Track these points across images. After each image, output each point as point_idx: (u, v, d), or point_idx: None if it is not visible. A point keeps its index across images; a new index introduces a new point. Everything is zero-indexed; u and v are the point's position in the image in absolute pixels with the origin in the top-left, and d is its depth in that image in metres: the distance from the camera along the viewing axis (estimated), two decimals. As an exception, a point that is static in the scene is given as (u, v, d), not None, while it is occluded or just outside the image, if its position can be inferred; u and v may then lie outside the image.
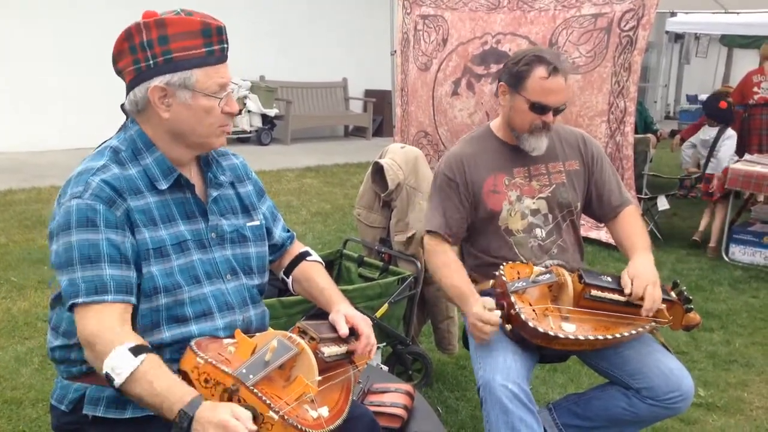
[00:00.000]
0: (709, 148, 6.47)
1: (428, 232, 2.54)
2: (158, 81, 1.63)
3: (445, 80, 6.67)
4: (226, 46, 1.69)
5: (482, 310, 2.21)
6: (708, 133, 6.57)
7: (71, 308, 1.57)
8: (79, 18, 9.27)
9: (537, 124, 2.42)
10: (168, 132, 1.70)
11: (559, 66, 2.35)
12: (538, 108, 2.38)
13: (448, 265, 2.45)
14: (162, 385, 1.46)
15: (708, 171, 6.39)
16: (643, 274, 2.25)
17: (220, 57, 1.68)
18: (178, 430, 1.41)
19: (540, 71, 2.34)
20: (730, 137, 6.47)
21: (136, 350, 1.50)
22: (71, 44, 9.21)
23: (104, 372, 1.49)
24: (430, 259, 2.53)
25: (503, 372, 2.16)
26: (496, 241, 2.50)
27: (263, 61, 11.20)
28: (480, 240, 2.55)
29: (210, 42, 1.65)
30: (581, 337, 2.14)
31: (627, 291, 2.22)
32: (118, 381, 1.47)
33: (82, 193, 1.60)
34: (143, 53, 1.63)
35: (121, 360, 1.48)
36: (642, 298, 2.20)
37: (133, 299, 1.60)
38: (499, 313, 2.19)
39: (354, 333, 1.83)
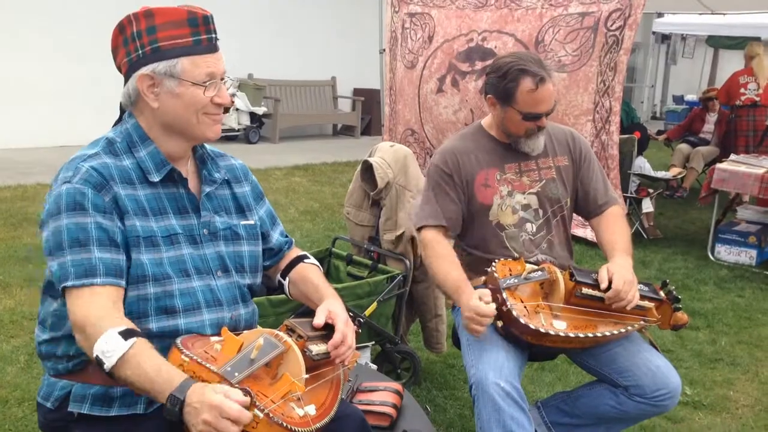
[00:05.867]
0: None
1: (424, 227, 2.51)
2: (145, 69, 1.64)
3: (431, 77, 6.67)
4: (214, 35, 1.70)
5: (479, 302, 2.17)
6: None
7: (63, 292, 1.57)
8: (67, 14, 9.19)
9: (532, 129, 2.46)
10: (160, 123, 1.70)
11: (545, 75, 2.37)
12: (531, 117, 2.41)
13: (444, 258, 2.43)
14: (151, 369, 1.46)
15: None
16: (620, 274, 2.24)
17: (208, 46, 1.68)
18: (170, 414, 1.40)
19: (527, 84, 2.36)
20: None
21: (126, 334, 1.49)
22: (58, 40, 9.13)
23: (95, 355, 1.49)
24: (426, 251, 2.49)
25: (496, 370, 2.16)
26: (488, 235, 2.51)
27: (252, 58, 11.16)
28: (472, 235, 2.56)
29: (197, 31, 1.66)
30: (572, 335, 2.14)
31: (603, 286, 2.21)
32: (108, 364, 1.47)
33: (71, 177, 1.61)
34: (134, 44, 1.66)
35: (111, 343, 1.47)
36: (619, 297, 2.19)
37: (123, 282, 1.60)
38: (494, 306, 2.17)
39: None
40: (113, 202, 1.62)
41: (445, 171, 2.52)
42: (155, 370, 1.46)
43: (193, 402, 1.39)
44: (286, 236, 2.09)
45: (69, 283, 1.55)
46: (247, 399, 1.41)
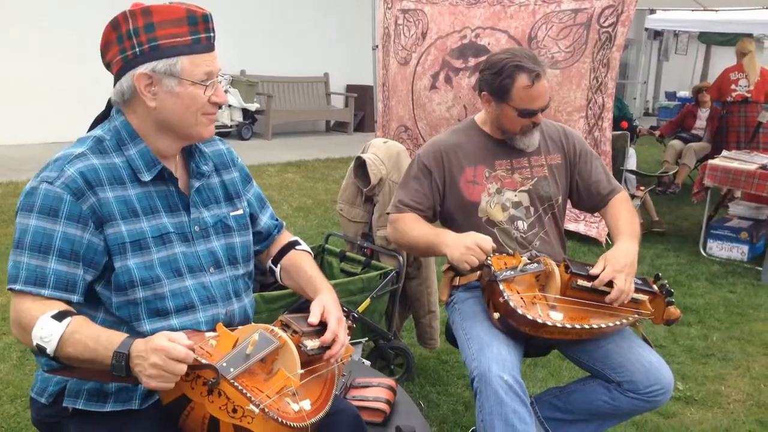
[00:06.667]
0: None
1: (390, 212, 2.59)
2: (143, 68, 1.62)
3: (424, 74, 6.67)
4: (212, 35, 1.68)
5: (478, 236, 2.26)
6: None
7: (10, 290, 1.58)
8: (61, 9, 9.15)
9: (527, 125, 2.46)
10: (155, 122, 1.69)
11: (540, 71, 2.37)
12: (527, 113, 2.42)
13: (409, 223, 2.49)
14: (91, 338, 1.48)
15: None
16: (617, 261, 2.25)
17: (207, 45, 1.67)
18: (118, 370, 1.44)
19: (523, 80, 2.36)
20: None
21: (60, 315, 1.51)
22: (52, 35, 9.09)
23: (35, 344, 1.50)
24: (392, 229, 2.56)
25: (499, 363, 2.16)
26: (480, 232, 2.51)
27: (244, 55, 11.13)
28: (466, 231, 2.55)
29: (196, 30, 1.64)
30: (568, 326, 2.15)
31: (596, 271, 2.23)
32: (49, 349, 1.49)
33: (54, 179, 1.59)
34: (129, 42, 1.63)
35: (47, 328, 1.49)
36: (610, 285, 2.21)
37: (75, 297, 1.60)
38: (491, 239, 2.26)
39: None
40: (92, 211, 1.60)
41: (425, 164, 2.54)
42: (94, 339, 1.48)
43: (139, 352, 1.42)
44: (277, 220, 2.07)
45: (17, 287, 1.56)
46: (190, 342, 1.44)
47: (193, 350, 1.45)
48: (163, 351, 1.40)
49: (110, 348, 1.45)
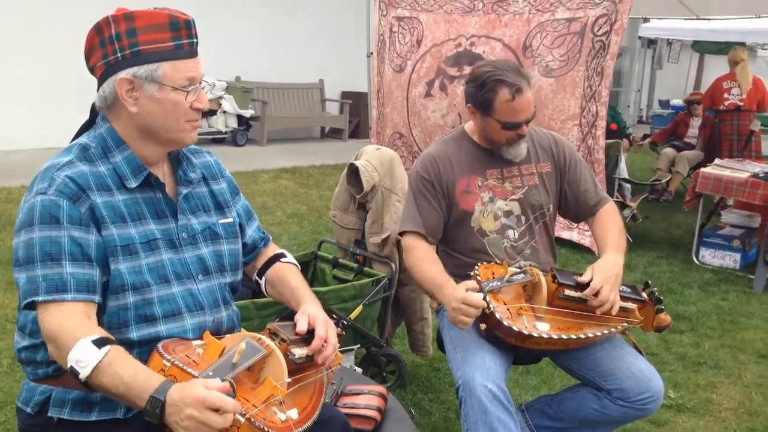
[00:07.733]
0: None
1: (405, 232, 2.54)
2: (125, 73, 1.62)
3: (419, 81, 6.69)
4: (195, 40, 1.68)
5: (465, 292, 2.16)
6: None
7: (32, 306, 1.55)
8: (53, 11, 9.13)
9: (513, 137, 2.47)
10: (138, 128, 1.68)
11: (521, 85, 2.37)
12: (510, 126, 2.42)
13: (423, 259, 2.45)
14: (128, 374, 1.44)
15: None
16: (603, 272, 2.25)
17: (190, 51, 1.66)
18: (151, 416, 1.39)
19: (504, 94, 2.37)
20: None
21: (100, 342, 1.47)
22: (44, 38, 9.07)
23: (69, 366, 1.46)
24: (407, 255, 2.52)
25: (483, 371, 2.16)
26: (471, 242, 2.52)
27: (239, 61, 11.13)
28: (455, 241, 2.56)
29: (178, 36, 1.64)
30: (555, 336, 2.15)
31: (584, 280, 2.22)
32: (83, 374, 1.45)
33: (46, 189, 1.58)
34: (111, 46, 1.62)
35: (84, 353, 1.45)
36: (599, 299, 2.20)
37: (96, 297, 1.58)
38: (481, 295, 2.16)
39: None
40: (90, 213, 1.60)
41: (426, 178, 2.53)
42: (131, 376, 1.43)
43: (174, 401, 1.37)
44: (263, 233, 2.07)
45: (39, 299, 1.53)
46: (227, 385, 1.39)
47: (231, 394, 1.38)
48: (200, 401, 1.34)
49: (146, 390, 1.40)
